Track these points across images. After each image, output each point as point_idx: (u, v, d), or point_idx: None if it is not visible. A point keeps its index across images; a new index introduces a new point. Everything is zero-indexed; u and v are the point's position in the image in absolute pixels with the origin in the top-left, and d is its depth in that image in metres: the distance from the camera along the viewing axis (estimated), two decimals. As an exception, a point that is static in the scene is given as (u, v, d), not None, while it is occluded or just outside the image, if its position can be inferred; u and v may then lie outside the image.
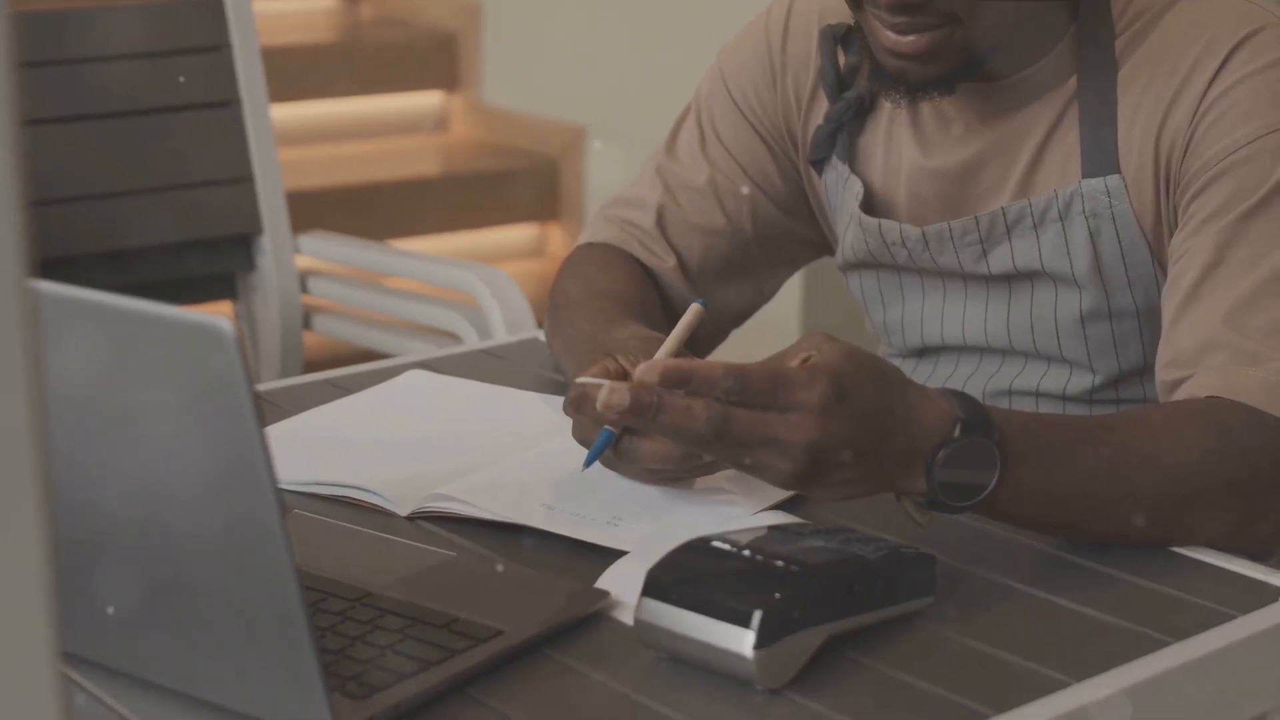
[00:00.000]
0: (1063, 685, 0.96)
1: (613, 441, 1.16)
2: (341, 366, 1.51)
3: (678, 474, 1.16)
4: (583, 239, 1.52)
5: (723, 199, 1.47)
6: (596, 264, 1.47)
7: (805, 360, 1.02)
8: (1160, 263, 1.31)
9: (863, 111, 1.40)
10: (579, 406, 1.15)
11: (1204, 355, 1.21)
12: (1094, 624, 1.04)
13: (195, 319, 0.79)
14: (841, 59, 1.41)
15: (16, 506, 0.53)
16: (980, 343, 1.40)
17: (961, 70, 1.27)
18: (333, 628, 0.98)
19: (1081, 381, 1.36)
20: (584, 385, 1.13)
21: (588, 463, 1.16)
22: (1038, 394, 1.39)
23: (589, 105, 3.45)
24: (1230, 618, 1.04)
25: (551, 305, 1.45)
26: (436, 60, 3.68)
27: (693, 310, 1.24)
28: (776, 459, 1.01)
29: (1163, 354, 1.24)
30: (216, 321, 0.79)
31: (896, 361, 1.48)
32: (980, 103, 1.34)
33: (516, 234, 3.57)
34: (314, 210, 2.87)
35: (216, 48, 2.22)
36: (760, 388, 1.00)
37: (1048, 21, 1.30)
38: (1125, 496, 1.11)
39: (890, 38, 1.24)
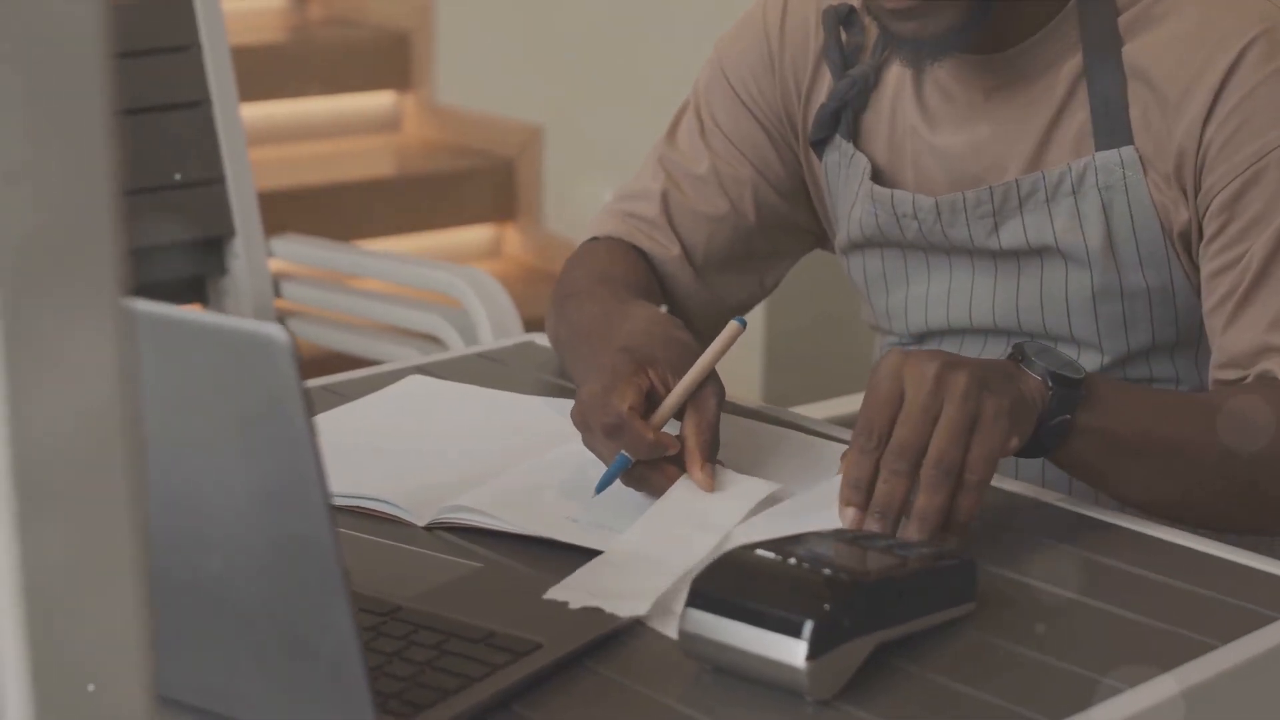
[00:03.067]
0: (1115, 691, 0.94)
1: (628, 467, 1.15)
2: (316, 373, 1.47)
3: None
4: (587, 234, 1.50)
5: (725, 185, 1.46)
6: (602, 256, 1.46)
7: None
8: (1171, 241, 1.30)
9: (866, 89, 1.40)
10: (612, 434, 1.13)
11: (1260, 358, 1.23)
12: (1137, 628, 1.03)
13: (248, 327, 0.76)
14: (844, 38, 1.41)
15: (117, 544, 0.50)
16: (987, 324, 1.39)
17: (970, 22, 1.27)
18: (367, 644, 0.95)
19: (1089, 361, 1.35)
20: (621, 417, 1.13)
21: (600, 488, 1.16)
22: None
23: (545, 104, 3.41)
24: (1274, 619, 1.03)
25: (555, 297, 1.43)
26: (388, 60, 3.63)
27: (731, 328, 1.22)
28: (956, 405, 1.08)
29: (1217, 358, 1.27)
30: (270, 330, 0.76)
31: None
32: (983, 77, 1.34)
33: (472, 235, 3.53)
34: (266, 212, 2.81)
35: (185, 47, 2.18)
36: (871, 417, 1.09)
37: None
38: (1204, 437, 1.19)
39: (889, 1, 1.26)
